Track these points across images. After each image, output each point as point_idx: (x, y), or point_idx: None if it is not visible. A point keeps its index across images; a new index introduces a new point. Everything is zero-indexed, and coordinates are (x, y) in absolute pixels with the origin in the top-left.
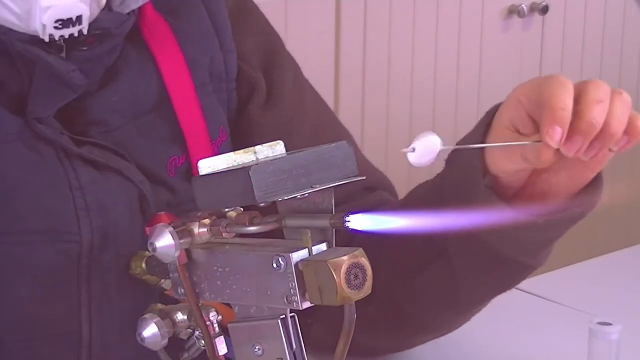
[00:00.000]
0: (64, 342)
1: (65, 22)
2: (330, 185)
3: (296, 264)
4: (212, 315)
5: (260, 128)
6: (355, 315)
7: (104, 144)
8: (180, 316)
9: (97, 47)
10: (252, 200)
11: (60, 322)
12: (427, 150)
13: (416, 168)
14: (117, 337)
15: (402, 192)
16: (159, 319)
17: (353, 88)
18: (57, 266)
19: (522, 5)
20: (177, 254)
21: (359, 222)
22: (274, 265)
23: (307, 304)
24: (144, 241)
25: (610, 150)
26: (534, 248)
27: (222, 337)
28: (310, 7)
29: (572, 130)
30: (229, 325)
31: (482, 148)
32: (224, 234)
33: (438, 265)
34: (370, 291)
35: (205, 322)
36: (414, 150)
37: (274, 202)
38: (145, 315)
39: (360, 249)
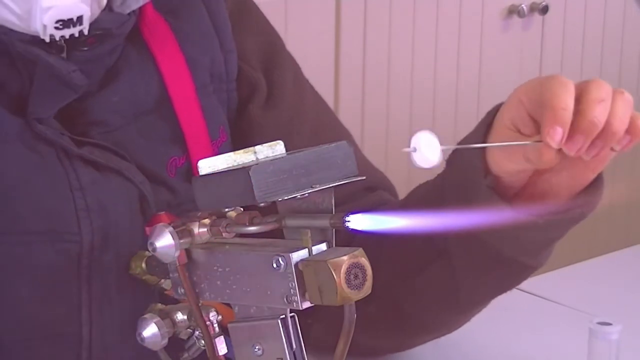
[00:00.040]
0: (64, 343)
1: (66, 23)
2: (330, 185)
3: (296, 264)
4: (212, 315)
5: (260, 128)
6: (355, 315)
7: (105, 144)
8: (180, 316)
9: (98, 47)
10: (252, 200)
11: (61, 322)
12: (428, 148)
13: (416, 168)
14: (117, 337)
15: (402, 192)
16: (159, 319)
17: (353, 88)
18: (58, 267)
19: (522, 5)
20: (177, 254)
21: (359, 222)
22: (274, 265)
23: (307, 304)
24: (144, 242)
25: (612, 149)
26: (535, 248)
27: (222, 337)
28: (310, 7)
29: (574, 129)
30: (229, 325)
31: (484, 148)
32: (224, 234)
33: (438, 266)
34: (370, 291)
35: (205, 322)
36: (415, 150)
37: (274, 202)
38: (145, 315)
39: (360, 249)
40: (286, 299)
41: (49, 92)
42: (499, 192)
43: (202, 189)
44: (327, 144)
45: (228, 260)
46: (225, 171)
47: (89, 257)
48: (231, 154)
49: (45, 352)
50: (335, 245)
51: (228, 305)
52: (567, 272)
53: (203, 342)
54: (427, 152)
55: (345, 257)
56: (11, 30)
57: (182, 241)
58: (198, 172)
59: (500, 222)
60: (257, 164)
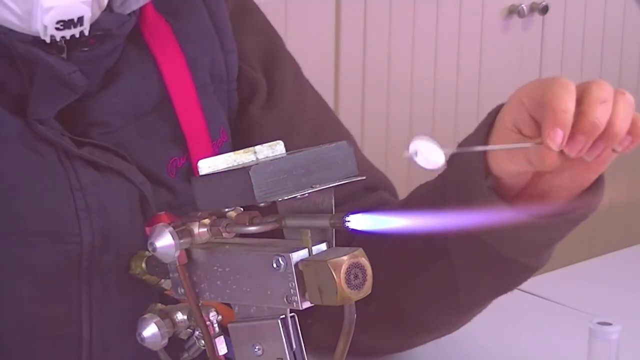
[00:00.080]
0: (64, 343)
1: (66, 23)
2: (330, 185)
3: (296, 264)
4: (212, 315)
5: (260, 128)
6: (355, 315)
7: (105, 145)
8: (180, 316)
9: (98, 47)
10: (252, 200)
11: (61, 323)
12: (430, 150)
13: (416, 168)
14: (117, 337)
15: (402, 192)
16: (159, 319)
17: (353, 88)
18: (58, 267)
19: (522, 5)
20: (177, 254)
21: (359, 222)
22: (274, 265)
23: (307, 304)
24: (145, 242)
25: (613, 150)
26: (535, 249)
27: (222, 337)
28: (310, 7)
29: (575, 130)
30: (229, 325)
31: (485, 151)
32: (224, 234)
33: (438, 266)
34: (370, 291)
35: (205, 322)
36: (416, 154)
37: (274, 202)
38: (145, 315)
39: (360, 249)
40: (286, 299)
41: (49, 93)
42: (500, 193)
43: (202, 189)
44: (327, 144)
45: (228, 260)
46: (225, 171)
47: (89, 257)
48: (231, 154)
49: (45, 352)
50: (335, 245)
51: (228, 305)
52: (567, 272)
53: (203, 342)
54: (430, 154)
55: (345, 257)
56: (11, 30)
57: (182, 241)
58: (198, 172)
59: (500, 222)
60: (257, 164)
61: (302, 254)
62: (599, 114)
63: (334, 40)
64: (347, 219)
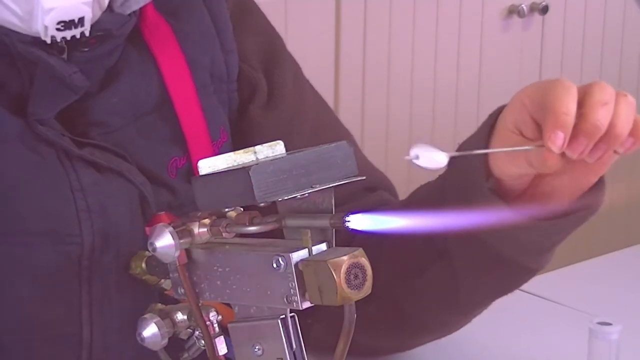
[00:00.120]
0: (64, 344)
1: (67, 24)
2: (330, 185)
3: (296, 264)
4: (212, 315)
5: (260, 129)
6: (355, 315)
7: (105, 145)
8: (180, 316)
9: (98, 48)
10: (252, 200)
11: (61, 323)
12: (431, 152)
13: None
14: (117, 337)
15: (402, 192)
16: (159, 319)
17: (353, 88)
18: (58, 267)
19: (522, 5)
20: (177, 254)
21: (359, 222)
22: (274, 265)
23: (307, 304)
24: (145, 243)
25: (615, 152)
26: (535, 250)
27: (222, 337)
28: (310, 7)
29: (577, 131)
30: (229, 325)
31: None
32: (224, 234)
33: (438, 266)
34: (370, 291)
35: (205, 322)
36: (417, 158)
37: (274, 202)
38: (145, 315)
39: (360, 249)
40: (286, 299)
41: (50, 93)
42: (500, 194)
43: (202, 189)
44: (327, 144)
45: (228, 260)
46: (225, 171)
47: (89, 258)
48: (231, 154)
49: (45, 352)
50: (335, 245)
51: (228, 305)
52: (567, 272)
53: (203, 342)
54: (432, 155)
55: (345, 257)
56: (12, 31)
57: (182, 241)
58: (198, 172)
59: (500, 223)
60: (257, 164)
61: (302, 254)
62: (601, 116)
63: (334, 40)
64: (347, 219)
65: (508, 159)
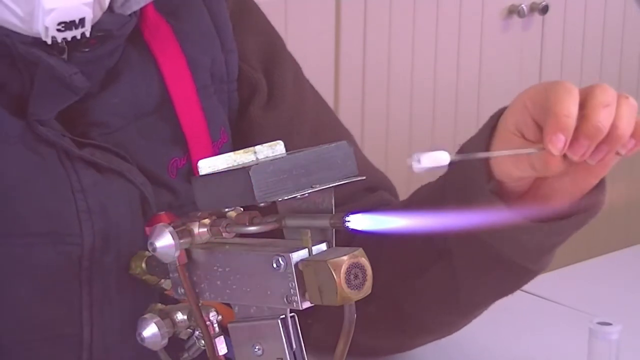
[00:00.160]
0: (65, 344)
1: (68, 25)
2: (330, 185)
3: (296, 264)
4: (212, 315)
5: (261, 129)
6: (355, 315)
7: (106, 145)
8: (180, 316)
9: (99, 48)
10: (252, 200)
11: (61, 323)
12: (433, 165)
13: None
14: (117, 337)
15: (402, 192)
16: (159, 319)
17: (353, 88)
18: (58, 268)
19: (522, 5)
20: (177, 254)
21: (359, 222)
22: (274, 265)
23: (307, 304)
24: (145, 243)
25: (617, 153)
26: (536, 252)
27: (222, 337)
28: (310, 7)
29: (578, 133)
30: (229, 325)
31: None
32: (224, 234)
33: (438, 266)
34: (370, 291)
35: (205, 322)
36: (419, 162)
37: (274, 202)
38: (145, 315)
39: (360, 249)
40: (286, 299)
41: (50, 94)
42: (501, 195)
43: (202, 189)
44: (327, 144)
45: (228, 260)
46: (225, 171)
47: (89, 258)
48: (231, 154)
49: (45, 352)
50: (335, 245)
51: (228, 305)
52: (567, 272)
53: (203, 342)
54: (433, 156)
55: (345, 257)
56: (13, 31)
57: (182, 241)
58: (198, 172)
59: (501, 224)
60: (257, 164)
61: (302, 254)
62: (602, 118)
63: (334, 40)
64: (347, 219)
65: (510, 161)
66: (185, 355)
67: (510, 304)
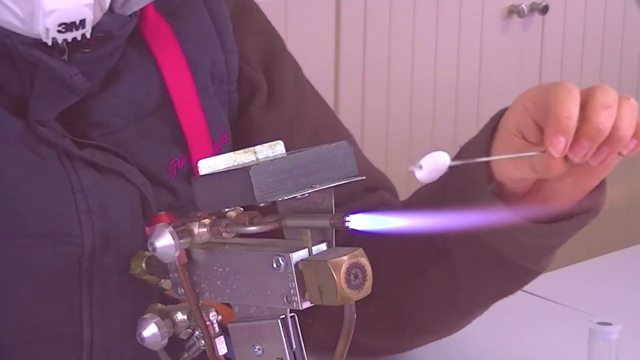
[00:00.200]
0: (65, 345)
1: (68, 26)
2: (330, 185)
3: (296, 264)
4: (212, 315)
5: (261, 129)
6: (355, 315)
7: (106, 146)
8: (180, 316)
9: (99, 49)
10: (252, 200)
11: (61, 324)
12: (435, 167)
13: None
14: (117, 338)
15: (402, 192)
16: (159, 319)
17: (353, 88)
18: (58, 268)
19: (522, 5)
20: (177, 254)
21: (359, 222)
22: (274, 265)
23: (307, 304)
24: (145, 243)
25: (619, 153)
26: (536, 252)
27: (222, 337)
28: (310, 7)
29: (580, 134)
30: (229, 325)
31: (488, 154)
32: (224, 234)
33: (439, 266)
34: (370, 291)
35: (205, 322)
36: (421, 167)
37: (274, 202)
38: (145, 315)
39: (360, 249)
40: (286, 299)
41: (50, 95)
42: (502, 196)
43: (202, 189)
44: (327, 144)
45: (228, 260)
46: (225, 171)
47: (90, 259)
48: (231, 154)
49: (45, 353)
50: (335, 245)
51: (228, 305)
52: (567, 272)
53: (203, 342)
54: (431, 170)
55: (345, 257)
56: (13, 32)
57: (182, 241)
58: (198, 172)
59: (501, 225)
60: (257, 164)
61: (302, 254)
62: (603, 119)
63: (334, 40)
64: (347, 219)
65: (511, 163)
66: (185, 355)
67: (510, 304)
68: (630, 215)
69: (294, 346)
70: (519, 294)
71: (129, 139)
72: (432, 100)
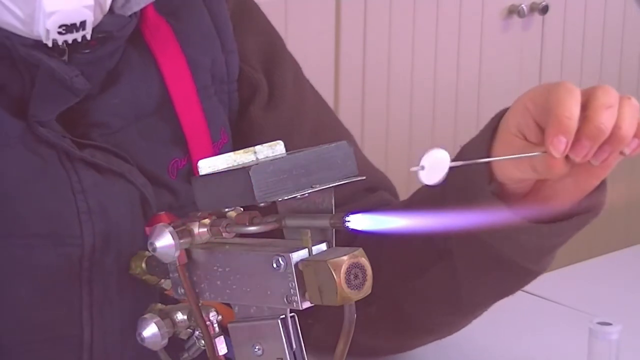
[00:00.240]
0: (65, 345)
1: (69, 28)
2: (330, 185)
3: (296, 264)
4: (212, 315)
5: (261, 129)
6: (355, 316)
7: (106, 146)
8: (180, 316)
9: (99, 49)
10: (252, 200)
11: (61, 325)
12: (436, 167)
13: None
14: (117, 338)
15: (402, 192)
16: (159, 319)
17: (353, 88)
18: (58, 269)
19: (522, 5)
20: (177, 254)
21: (359, 222)
22: (274, 265)
23: (307, 304)
24: (146, 244)
25: (621, 153)
26: (535, 252)
27: (222, 337)
28: (310, 7)
29: (581, 134)
30: (229, 325)
31: (489, 154)
32: (224, 234)
33: (439, 266)
34: (370, 291)
35: (205, 322)
36: (423, 168)
37: (274, 202)
38: (145, 315)
39: (360, 249)
40: (286, 299)
41: (50, 96)
42: (502, 197)
43: (202, 189)
44: (327, 144)
45: (228, 260)
46: (225, 171)
47: (90, 259)
48: (231, 154)
49: (45, 354)
50: (336, 246)
51: (228, 305)
52: (567, 272)
53: (203, 342)
54: (433, 170)
55: (345, 257)
56: (13, 34)
57: (182, 241)
58: (198, 172)
59: (501, 225)
60: (257, 164)
61: (302, 254)
62: (605, 119)
63: (334, 40)
64: (347, 219)
65: (512, 164)
66: (185, 355)
67: (510, 304)
68: (630, 215)
69: (294, 346)
70: (519, 294)
71: (129, 140)
72: (432, 100)
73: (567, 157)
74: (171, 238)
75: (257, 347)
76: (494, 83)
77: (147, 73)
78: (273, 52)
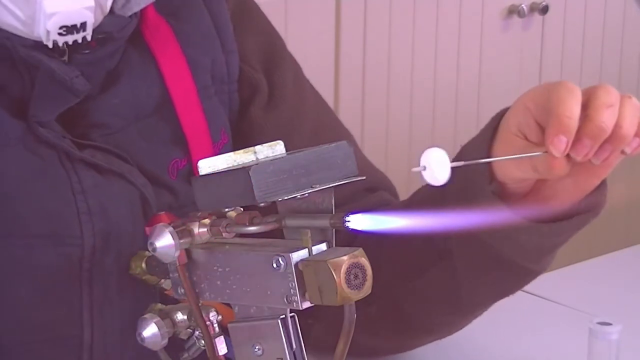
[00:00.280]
0: (65, 346)
1: (69, 29)
2: (330, 185)
3: (296, 264)
4: (212, 315)
5: (261, 129)
6: (355, 316)
7: (106, 147)
8: (180, 316)
9: (99, 50)
10: (252, 200)
11: (62, 325)
12: (437, 166)
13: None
14: (117, 338)
15: (402, 192)
16: (159, 319)
17: (353, 88)
18: (58, 269)
19: (522, 5)
20: (177, 254)
21: (359, 222)
22: (274, 265)
23: (307, 304)
24: (146, 244)
25: (622, 152)
26: (535, 252)
27: (222, 337)
28: (310, 7)
29: (582, 134)
30: (229, 325)
31: (489, 154)
32: (224, 234)
33: (439, 266)
34: (370, 291)
35: (205, 322)
36: (424, 168)
37: (274, 202)
38: (145, 315)
39: (360, 249)
40: (286, 299)
41: (51, 97)
42: (503, 196)
43: (202, 189)
44: (327, 144)
45: (228, 260)
46: (225, 171)
47: (90, 260)
48: (231, 154)
49: (46, 354)
50: (336, 246)
51: (228, 305)
52: (567, 272)
53: (203, 342)
54: (436, 169)
55: (345, 257)
56: (14, 35)
57: (182, 241)
58: (198, 172)
59: (501, 225)
60: (257, 164)
61: (302, 254)
62: (606, 118)
63: (334, 40)
64: (347, 219)
65: (512, 164)
66: (185, 355)
67: (510, 304)
68: (630, 215)
69: (294, 346)
70: (519, 294)
71: (130, 140)
72: (432, 100)
73: (567, 157)
74: (171, 238)
75: (257, 347)
76: (494, 83)
77: (147, 73)
78: (273, 52)
